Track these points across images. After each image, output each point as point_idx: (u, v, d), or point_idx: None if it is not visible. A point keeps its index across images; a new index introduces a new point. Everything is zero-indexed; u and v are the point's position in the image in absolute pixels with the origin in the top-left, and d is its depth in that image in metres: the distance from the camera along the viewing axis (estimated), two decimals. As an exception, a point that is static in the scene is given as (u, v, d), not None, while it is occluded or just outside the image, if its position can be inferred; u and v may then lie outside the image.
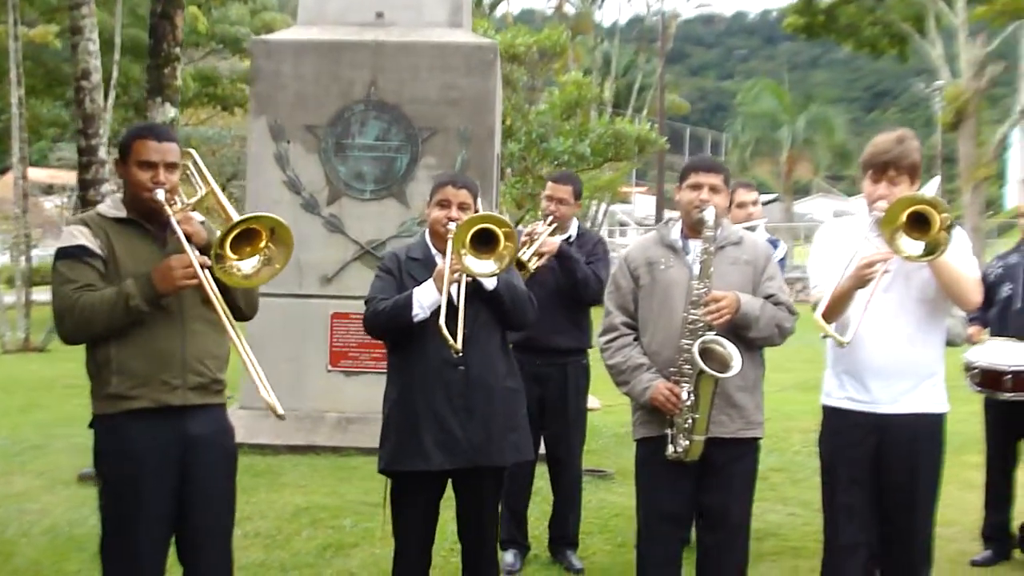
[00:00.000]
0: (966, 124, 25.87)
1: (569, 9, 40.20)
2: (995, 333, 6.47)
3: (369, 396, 8.82)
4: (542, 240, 6.08)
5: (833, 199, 65.93)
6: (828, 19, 29.49)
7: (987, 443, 6.67)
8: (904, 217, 4.18)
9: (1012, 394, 6.13)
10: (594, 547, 6.63)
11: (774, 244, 6.36)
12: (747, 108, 53.01)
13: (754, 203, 6.58)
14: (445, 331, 4.35)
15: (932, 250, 4.20)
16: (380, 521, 6.07)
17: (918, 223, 4.18)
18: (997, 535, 6.56)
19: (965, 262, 4.52)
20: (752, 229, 6.41)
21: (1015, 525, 6.61)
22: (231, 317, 3.93)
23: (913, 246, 4.21)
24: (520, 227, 6.39)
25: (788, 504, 7.73)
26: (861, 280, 4.34)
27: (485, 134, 9.35)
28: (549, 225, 6.19)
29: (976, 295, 4.58)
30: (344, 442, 8.92)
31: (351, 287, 9.22)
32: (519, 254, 5.88)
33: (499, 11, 35.72)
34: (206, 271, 3.83)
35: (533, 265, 5.95)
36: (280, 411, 3.73)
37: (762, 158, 52.10)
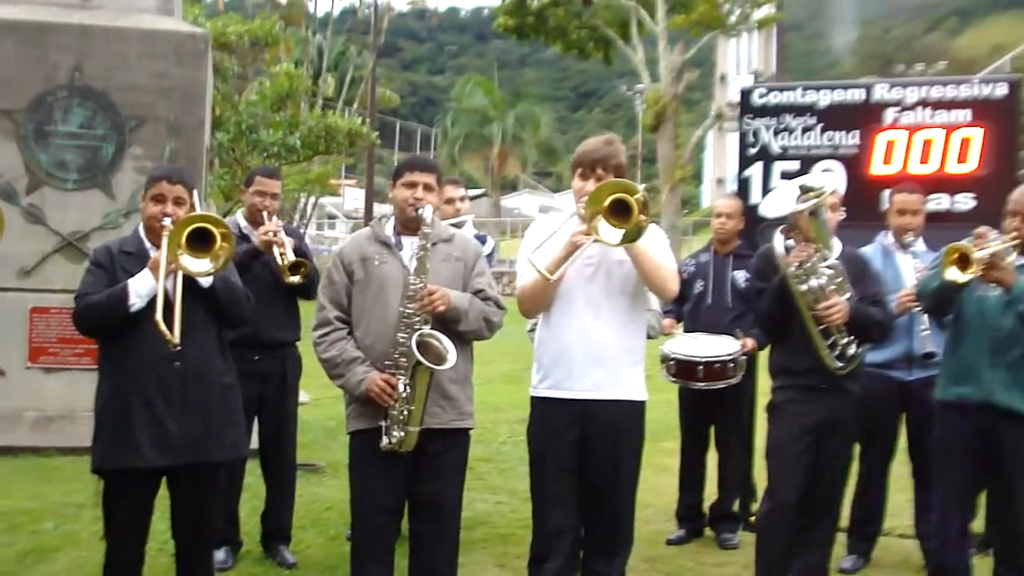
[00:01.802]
0: (665, 127, 27.17)
1: (281, -2, 39.79)
2: (688, 328, 6.88)
3: (71, 394, 8.57)
4: (282, 238, 6.08)
5: (539, 195, 67.82)
6: (538, 21, 30.28)
7: (681, 430, 7.10)
8: (607, 203, 4.44)
9: (704, 384, 6.54)
10: (307, 540, 6.64)
11: (482, 240, 6.55)
12: (459, 104, 53.86)
13: (461, 199, 6.74)
14: (162, 325, 4.28)
15: (631, 238, 4.49)
16: (88, 522, 5.91)
17: (619, 211, 4.45)
18: (690, 515, 7.00)
19: (663, 254, 4.83)
20: (460, 225, 6.61)
21: (706, 506, 7.06)
22: None
23: (612, 233, 4.47)
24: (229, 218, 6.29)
25: (497, 493, 7.97)
26: (573, 247, 4.56)
27: (195, 125, 9.17)
28: (270, 219, 6.17)
29: (674, 284, 4.89)
30: (44, 442, 8.54)
31: (52, 280, 8.87)
32: (283, 259, 6.00)
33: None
34: None
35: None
36: None
37: (471, 153, 53.09)
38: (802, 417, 5.19)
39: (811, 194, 5.04)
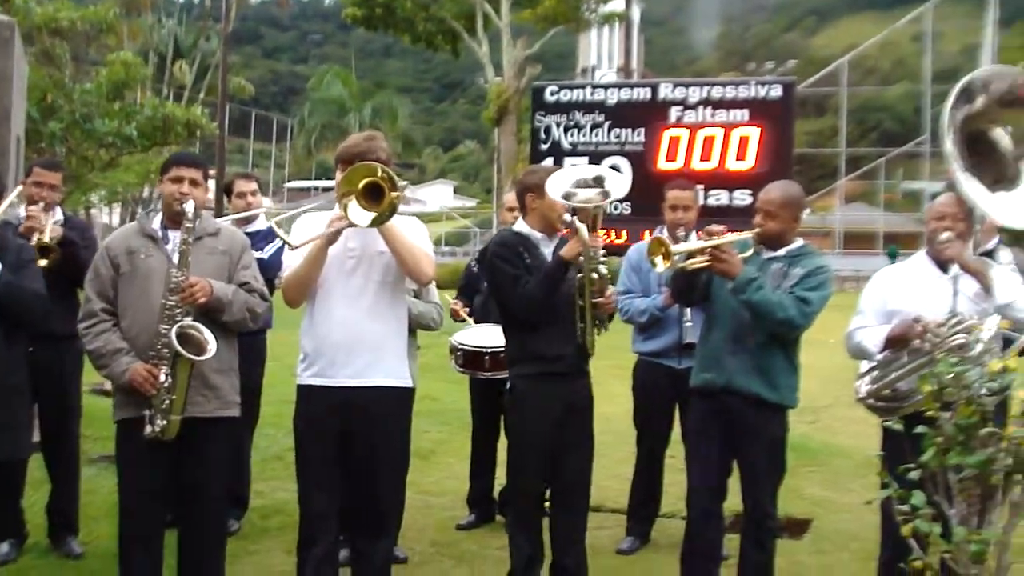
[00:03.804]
0: (507, 120, 27.39)
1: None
2: (479, 319, 7.06)
3: None
4: (42, 223, 6.07)
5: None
6: (386, 12, 30.26)
7: (473, 418, 7.30)
8: (361, 185, 4.61)
9: (490, 373, 6.74)
10: (98, 531, 6.62)
11: (272, 234, 6.66)
12: (317, 94, 53.62)
13: (253, 193, 6.85)
14: None
15: (383, 220, 4.67)
16: None
17: (373, 194, 4.63)
18: (480, 501, 7.19)
19: (420, 240, 5.04)
20: (251, 219, 6.72)
21: (497, 491, 7.24)
22: None
23: (363, 216, 4.65)
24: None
25: (299, 483, 8.05)
26: (330, 237, 4.78)
27: (1, 114, 9.05)
28: (46, 211, 6.16)
29: (429, 268, 5.05)
30: None
31: None
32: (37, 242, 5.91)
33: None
34: None
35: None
36: None
37: (330, 144, 52.91)
38: (549, 403, 5.33)
39: (598, 188, 5.21)
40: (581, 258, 5.16)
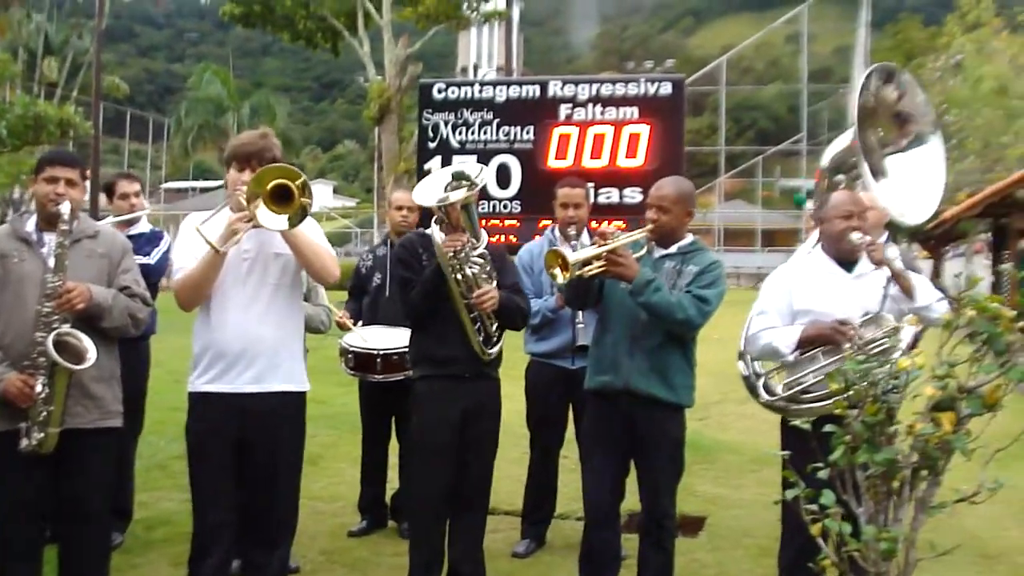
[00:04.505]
0: (389, 120, 27.13)
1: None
2: (368, 321, 6.91)
3: None
4: None
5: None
6: (265, 9, 29.69)
7: (363, 422, 7.13)
8: (269, 187, 4.46)
9: (382, 376, 6.59)
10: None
11: (159, 236, 6.46)
12: (194, 93, 52.79)
13: (136, 195, 6.60)
14: None
15: (295, 223, 4.54)
16: None
17: (280, 197, 4.48)
18: (372, 507, 7.03)
19: (322, 240, 4.91)
20: (134, 221, 6.50)
21: (389, 496, 7.11)
22: None
23: (275, 219, 4.50)
24: None
25: (186, 492, 7.74)
26: (231, 233, 4.58)
27: None
28: None
29: (335, 268, 4.93)
30: None
31: None
32: None
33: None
34: None
35: None
36: None
37: (207, 144, 52.12)
38: (447, 406, 5.27)
39: (464, 183, 5.14)
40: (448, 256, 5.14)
